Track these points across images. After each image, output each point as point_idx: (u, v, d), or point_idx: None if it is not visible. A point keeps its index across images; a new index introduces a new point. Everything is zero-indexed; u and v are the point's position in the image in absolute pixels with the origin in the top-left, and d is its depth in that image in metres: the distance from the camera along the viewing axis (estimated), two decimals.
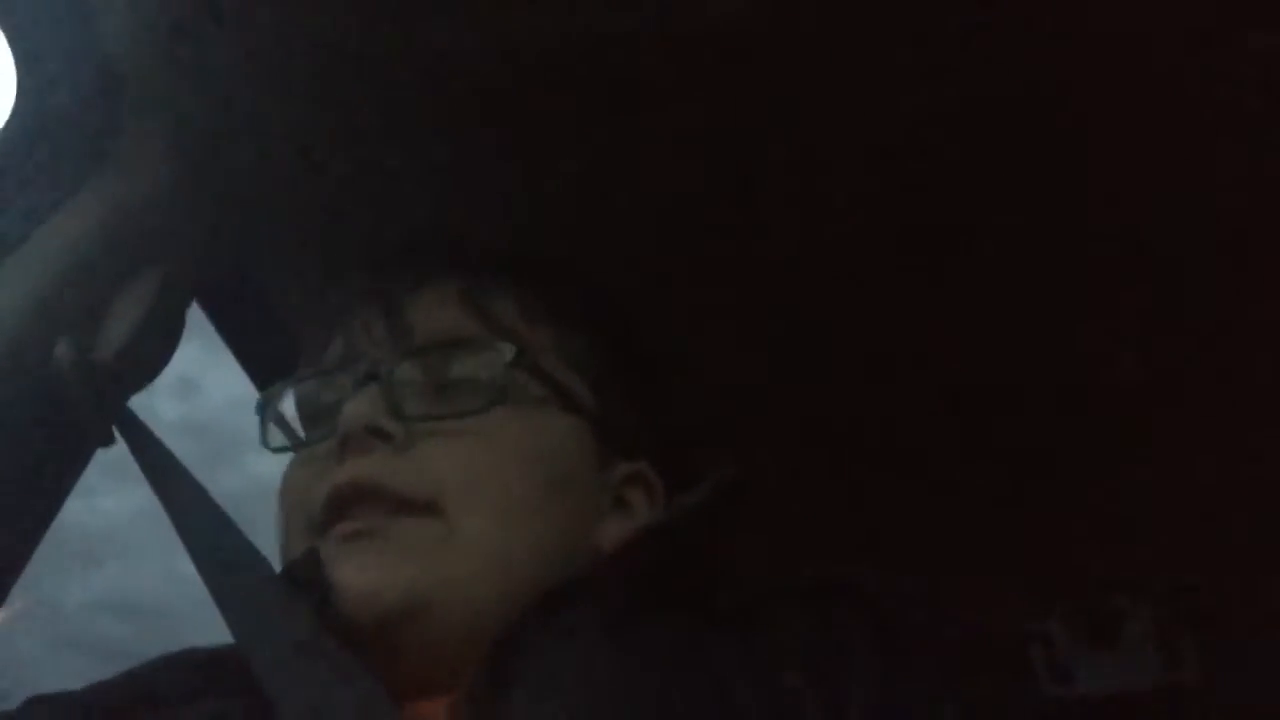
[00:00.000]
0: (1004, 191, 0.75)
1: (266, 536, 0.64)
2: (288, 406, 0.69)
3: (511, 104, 0.70)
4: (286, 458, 0.67)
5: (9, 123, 0.71)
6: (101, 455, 0.71)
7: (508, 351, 0.63)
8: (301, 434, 0.69)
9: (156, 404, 0.76)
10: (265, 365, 0.91)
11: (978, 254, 0.80)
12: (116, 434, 0.68)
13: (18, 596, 0.69)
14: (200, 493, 0.63)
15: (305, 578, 0.58)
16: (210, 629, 0.59)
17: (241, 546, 0.60)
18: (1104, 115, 0.71)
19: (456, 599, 0.57)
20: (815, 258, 0.80)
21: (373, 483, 0.59)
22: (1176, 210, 0.76)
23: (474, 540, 0.58)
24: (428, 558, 0.57)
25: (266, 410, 0.69)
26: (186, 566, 0.60)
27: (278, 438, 0.69)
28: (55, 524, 0.72)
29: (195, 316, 0.81)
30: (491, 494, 0.59)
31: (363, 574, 0.56)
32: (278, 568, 0.61)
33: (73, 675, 0.63)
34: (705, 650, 0.53)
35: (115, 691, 0.59)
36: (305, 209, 0.77)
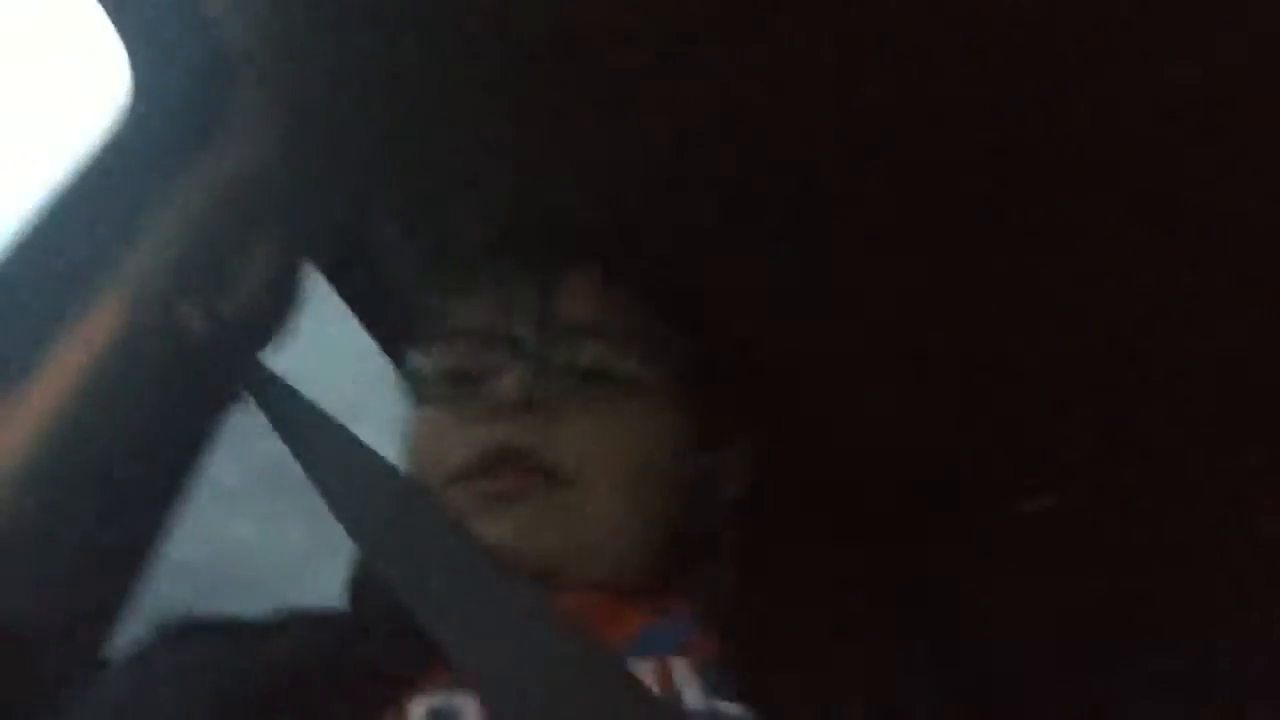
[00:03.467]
0: None
1: None
2: (434, 361, 0.72)
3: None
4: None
5: (125, 108, 0.74)
6: None
7: (646, 350, 0.70)
8: (437, 380, 0.72)
9: None
10: (381, 323, 0.93)
11: None
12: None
13: None
14: (346, 439, 0.66)
15: None
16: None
17: (397, 487, 0.64)
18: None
19: (580, 565, 0.63)
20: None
21: (524, 447, 0.64)
22: None
23: (601, 514, 0.65)
24: (563, 526, 0.63)
25: (418, 366, 0.73)
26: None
27: (425, 392, 0.72)
28: None
29: None
30: (617, 475, 0.66)
31: (506, 533, 0.62)
32: None
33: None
34: None
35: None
36: (423, 172, 0.78)
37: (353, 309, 0.91)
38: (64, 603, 0.65)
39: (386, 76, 0.73)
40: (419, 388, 0.72)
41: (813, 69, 0.65)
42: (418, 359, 0.73)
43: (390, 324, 0.92)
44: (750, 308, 0.82)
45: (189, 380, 0.70)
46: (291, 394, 0.68)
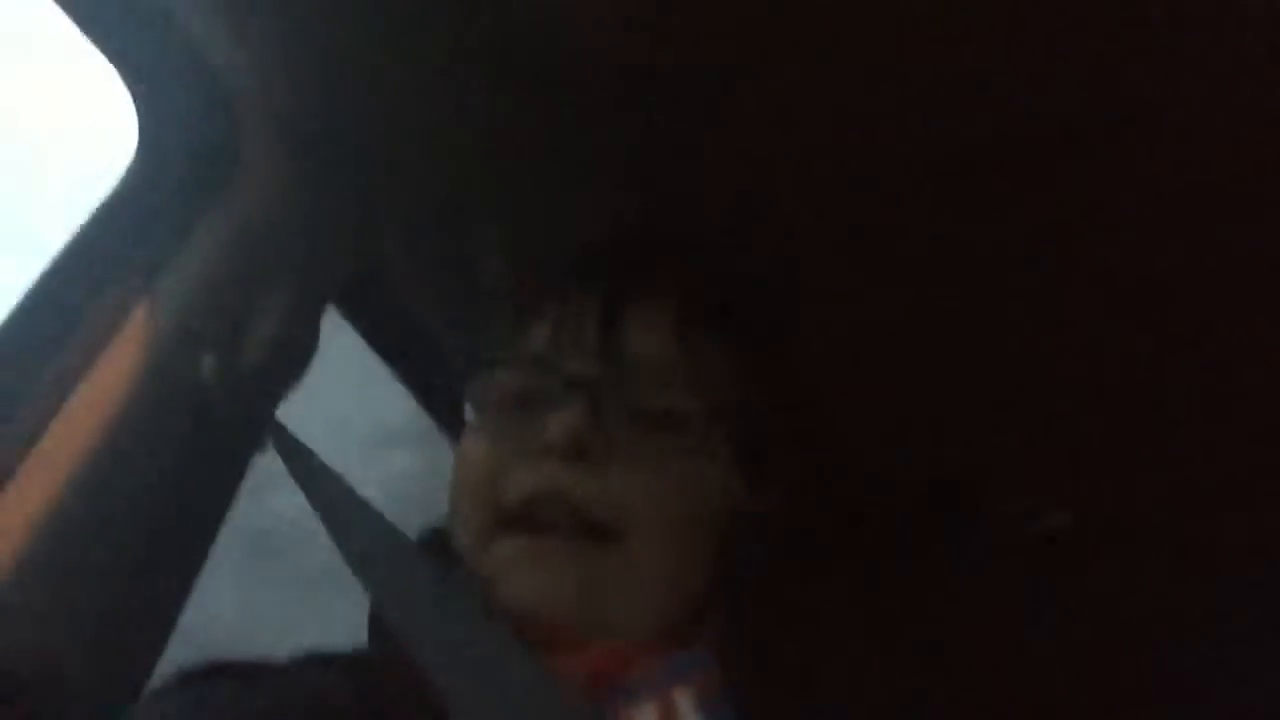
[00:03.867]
0: None
1: None
2: (491, 388, 0.68)
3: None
4: None
5: (134, 161, 0.74)
6: None
7: (713, 408, 0.65)
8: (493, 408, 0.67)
9: None
10: (407, 361, 0.92)
11: None
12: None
13: None
14: (351, 495, 0.64)
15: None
16: None
17: (395, 539, 0.61)
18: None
19: (620, 622, 0.60)
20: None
21: (571, 496, 0.61)
22: None
23: (646, 574, 0.61)
24: (603, 583, 0.60)
25: (476, 391, 0.69)
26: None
27: (482, 417, 0.68)
28: None
29: None
30: (670, 533, 0.62)
31: (542, 588, 0.59)
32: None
33: None
34: None
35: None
36: (441, 201, 0.77)
37: (378, 351, 0.90)
38: (92, 655, 0.63)
39: (395, 106, 0.72)
40: (474, 414, 0.68)
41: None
42: (475, 384, 0.69)
43: (418, 362, 0.91)
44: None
45: (208, 431, 0.69)
46: (302, 449, 0.66)
